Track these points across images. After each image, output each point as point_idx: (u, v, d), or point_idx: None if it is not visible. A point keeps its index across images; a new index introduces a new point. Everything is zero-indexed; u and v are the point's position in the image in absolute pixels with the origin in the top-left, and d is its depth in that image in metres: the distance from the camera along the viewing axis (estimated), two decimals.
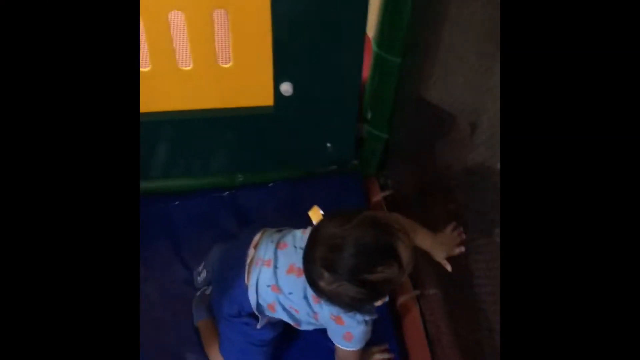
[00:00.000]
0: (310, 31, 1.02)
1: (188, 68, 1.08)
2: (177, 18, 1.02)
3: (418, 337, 1.06)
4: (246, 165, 1.31)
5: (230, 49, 1.06)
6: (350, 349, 0.95)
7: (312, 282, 0.86)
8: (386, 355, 1.05)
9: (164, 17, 0.98)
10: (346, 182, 1.31)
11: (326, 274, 0.82)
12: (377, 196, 1.30)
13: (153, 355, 1.05)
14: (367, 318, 0.92)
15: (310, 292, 0.91)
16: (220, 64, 1.08)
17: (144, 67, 1.06)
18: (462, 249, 0.95)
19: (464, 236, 0.96)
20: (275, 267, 0.95)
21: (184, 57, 1.09)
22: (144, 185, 1.22)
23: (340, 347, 0.96)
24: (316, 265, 0.83)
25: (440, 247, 0.97)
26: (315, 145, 1.26)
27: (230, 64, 1.08)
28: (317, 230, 0.87)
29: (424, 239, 0.97)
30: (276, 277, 0.94)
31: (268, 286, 0.95)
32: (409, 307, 1.10)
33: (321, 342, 1.02)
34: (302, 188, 1.30)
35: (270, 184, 1.31)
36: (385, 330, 1.09)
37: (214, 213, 1.27)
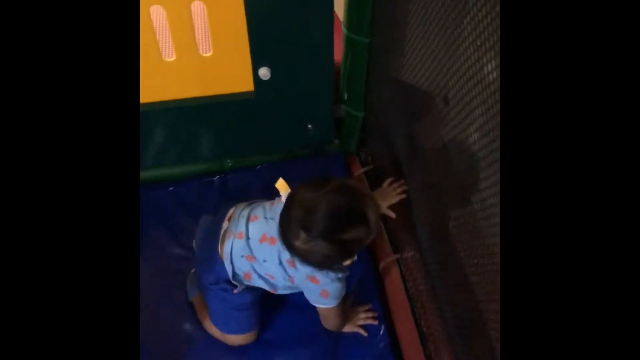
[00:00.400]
0: (282, 17, 1.10)
1: (171, 59, 1.16)
2: (158, 12, 1.10)
3: (399, 296, 1.14)
4: (234, 151, 1.39)
5: (209, 39, 1.14)
6: (329, 306, 1.03)
7: (288, 242, 0.94)
8: (370, 314, 1.13)
9: (146, 12, 1.06)
10: (329, 161, 1.39)
11: (302, 234, 0.90)
12: (358, 172, 1.38)
13: (152, 332, 1.13)
14: (340, 275, 1.00)
15: (285, 257, 0.99)
16: (201, 54, 1.16)
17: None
18: (403, 196, 1.12)
19: (405, 187, 1.15)
20: (248, 238, 1.03)
21: (167, 49, 1.17)
22: (140, 174, 1.30)
23: (320, 306, 1.04)
24: (292, 226, 0.91)
25: (381, 200, 1.11)
26: (297, 127, 1.34)
27: (211, 53, 1.16)
28: (293, 196, 0.95)
29: None
30: (250, 248, 1.03)
31: (242, 256, 1.03)
32: (390, 270, 1.18)
33: (308, 304, 1.10)
34: (288, 168, 1.36)
35: (257, 167, 1.39)
36: (370, 293, 1.17)
37: (206, 196, 1.36)
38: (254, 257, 1.03)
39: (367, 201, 0.92)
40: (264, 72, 1.18)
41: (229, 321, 1.09)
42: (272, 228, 1.00)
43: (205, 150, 1.35)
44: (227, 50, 1.15)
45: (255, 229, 1.04)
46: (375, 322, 1.12)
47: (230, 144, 1.36)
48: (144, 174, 1.36)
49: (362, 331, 1.11)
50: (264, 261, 1.02)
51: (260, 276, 1.05)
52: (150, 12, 1.06)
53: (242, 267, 1.04)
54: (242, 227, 1.05)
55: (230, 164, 1.39)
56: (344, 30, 1.21)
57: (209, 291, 1.09)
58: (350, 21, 1.17)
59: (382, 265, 1.19)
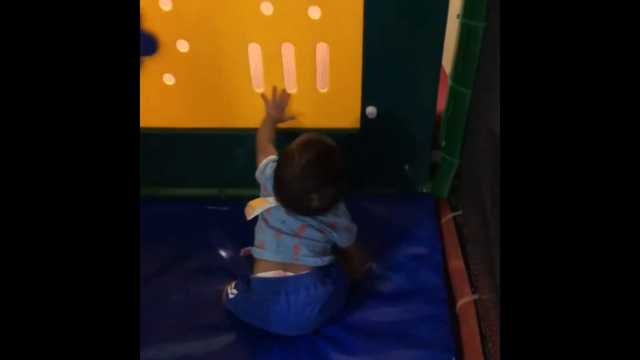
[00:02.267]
0: (394, 62, 1.23)
1: (293, 92, 1.32)
2: (286, 49, 1.26)
3: (473, 336, 1.18)
4: None
5: (327, 76, 1.29)
6: (353, 242, 1.21)
7: (308, 209, 1.10)
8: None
9: (278, 48, 1.24)
10: (419, 201, 1.48)
11: (313, 196, 1.07)
12: (447, 216, 1.45)
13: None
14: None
15: (310, 222, 1.13)
16: (319, 89, 1.31)
17: (259, 89, 1.31)
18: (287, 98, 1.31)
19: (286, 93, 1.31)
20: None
21: (290, 82, 1.33)
22: (235, 192, 1.46)
23: (350, 244, 1.21)
24: (302, 197, 1.07)
25: (276, 112, 1.31)
26: (394, 166, 1.44)
27: (327, 89, 1.31)
28: (280, 179, 1.09)
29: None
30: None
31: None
32: (467, 309, 1.22)
33: None
34: (380, 203, 1.47)
35: (351, 199, 1.49)
36: (444, 330, 1.21)
37: None
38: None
39: (318, 136, 1.12)
40: (371, 111, 1.31)
41: None
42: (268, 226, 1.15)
43: None
44: (342, 88, 1.29)
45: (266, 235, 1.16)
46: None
47: None
48: (241, 192, 1.47)
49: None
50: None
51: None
52: (281, 48, 1.23)
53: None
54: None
55: None
56: (449, 81, 1.31)
57: None
58: (456, 73, 1.28)
59: (459, 304, 1.24)
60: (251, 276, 1.15)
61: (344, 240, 1.19)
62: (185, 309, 1.24)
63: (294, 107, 1.33)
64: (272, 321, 1.12)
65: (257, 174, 1.21)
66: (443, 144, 1.43)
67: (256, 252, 1.15)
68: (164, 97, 1.33)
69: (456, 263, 1.33)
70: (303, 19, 1.19)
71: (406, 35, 1.19)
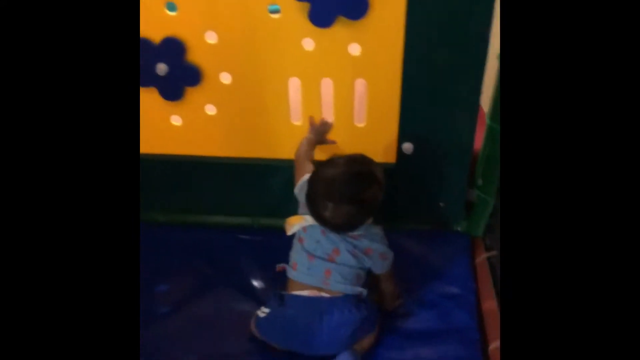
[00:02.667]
0: (433, 100, 1.24)
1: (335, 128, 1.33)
2: (326, 83, 1.29)
3: None
4: None
5: (364, 111, 1.31)
6: (388, 269, 1.21)
7: (318, 215, 1.10)
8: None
9: (317, 83, 1.26)
10: (454, 240, 1.46)
11: (329, 204, 1.07)
12: (482, 256, 1.42)
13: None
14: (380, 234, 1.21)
15: (344, 246, 1.14)
16: (356, 124, 1.33)
17: (297, 122, 1.33)
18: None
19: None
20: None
21: (328, 116, 1.35)
22: (268, 221, 1.48)
23: (384, 271, 1.21)
24: (319, 200, 1.09)
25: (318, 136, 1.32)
26: (430, 203, 1.43)
27: (364, 124, 1.32)
28: (315, 175, 1.13)
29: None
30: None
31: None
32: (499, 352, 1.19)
33: None
34: (414, 239, 1.46)
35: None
36: None
37: None
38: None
39: (374, 164, 1.13)
40: (408, 147, 1.32)
41: None
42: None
43: None
44: (379, 123, 1.31)
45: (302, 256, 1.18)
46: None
47: None
48: (274, 222, 1.48)
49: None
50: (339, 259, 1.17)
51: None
52: (320, 82, 1.26)
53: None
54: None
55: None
56: (487, 120, 1.31)
57: None
58: (494, 112, 1.28)
59: (492, 346, 1.21)
60: (285, 293, 1.16)
61: (378, 266, 1.20)
62: (212, 336, 1.25)
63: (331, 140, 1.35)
64: (302, 340, 1.13)
65: (296, 191, 1.23)
66: (479, 182, 1.42)
67: (289, 271, 1.18)
68: (205, 127, 1.37)
69: (490, 304, 1.30)
70: (343, 55, 1.21)
71: (445, 72, 1.19)
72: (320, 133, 1.31)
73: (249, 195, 1.49)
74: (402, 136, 1.31)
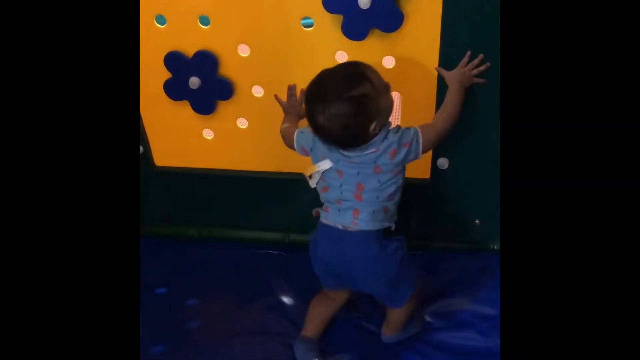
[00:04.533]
0: (468, 115, 1.20)
1: None
2: None
3: None
4: (401, 232, 1.47)
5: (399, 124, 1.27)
6: (420, 132, 1.10)
7: (317, 127, 1.04)
8: (472, 66, 1.14)
9: None
10: (490, 259, 1.41)
11: (319, 105, 1.01)
12: None
13: None
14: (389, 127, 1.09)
15: (365, 172, 1.08)
16: None
17: None
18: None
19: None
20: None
21: None
22: (299, 237, 1.45)
23: (420, 148, 1.11)
24: (313, 106, 1.02)
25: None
26: (464, 220, 1.39)
27: None
28: (310, 83, 1.05)
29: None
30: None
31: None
32: None
33: None
34: (447, 259, 1.42)
35: (419, 252, 1.45)
36: None
37: None
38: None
39: (367, 67, 1.04)
40: (442, 162, 1.28)
41: None
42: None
43: None
44: None
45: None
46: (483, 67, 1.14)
47: (400, 225, 1.45)
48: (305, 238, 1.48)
49: (479, 80, 1.14)
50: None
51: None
52: None
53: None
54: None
55: None
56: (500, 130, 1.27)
57: None
58: None
59: None
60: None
61: (411, 153, 1.10)
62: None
63: None
64: (319, 265, 1.18)
65: (297, 148, 1.18)
66: None
67: (322, 214, 1.16)
68: (237, 140, 1.36)
69: None
70: (377, 67, 1.18)
71: (481, 87, 1.16)
72: (293, 107, 1.24)
73: (280, 210, 1.48)
74: (437, 151, 1.27)
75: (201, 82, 1.25)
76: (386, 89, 1.05)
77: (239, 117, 1.33)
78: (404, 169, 1.12)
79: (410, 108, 1.24)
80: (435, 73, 1.16)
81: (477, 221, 1.38)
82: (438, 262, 1.42)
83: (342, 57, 1.20)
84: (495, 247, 1.44)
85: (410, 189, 1.35)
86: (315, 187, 1.15)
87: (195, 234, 1.54)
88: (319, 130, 1.05)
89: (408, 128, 1.10)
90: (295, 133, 1.16)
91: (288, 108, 1.24)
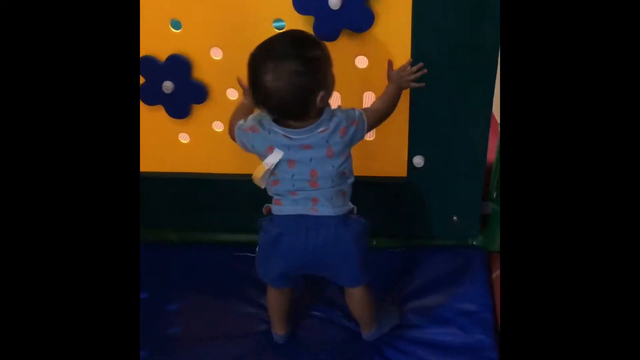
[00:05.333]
0: (443, 112, 1.21)
1: None
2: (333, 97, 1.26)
3: None
4: (380, 231, 1.48)
5: None
6: (363, 115, 1.09)
7: (264, 91, 0.99)
8: (411, 69, 1.15)
9: None
10: (470, 255, 1.42)
11: (269, 64, 0.97)
12: (498, 270, 1.38)
13: None
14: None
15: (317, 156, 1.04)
16: (365, 138, 1.30)
17: None
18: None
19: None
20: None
21: None
22: None
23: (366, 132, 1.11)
24: (260, 66, 0.99)
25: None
26: (443, 217, 1.40)
27: (373, 137, 1.30)
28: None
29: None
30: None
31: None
32: None
33: None
34: (427, 256, 1.43)
35: (398, 250, 1.46)
36: None
37: None
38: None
39: (315, 37, 1.04)
40: (418, 161, 1.29)
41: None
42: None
43: None
44: (388, 136, 1.28)
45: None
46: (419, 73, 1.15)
47: (378, 225, 1.45)
48: None
49: (416, 85, 1.16)
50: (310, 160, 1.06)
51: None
52: None
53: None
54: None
55: (374, 243, 1.48)
56: (500, 130, 1.28)
57: None
58: None
59: None
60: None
61: (359, 132, 1.09)
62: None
63: None
64: (286, 257, 1.12)
65: (238, 142, 1.13)
66: (494, 195, 1.38)
67: (274, 209, 1.12)
68: (213, 144, 1.36)
69: None
70: (350, 68, 1.20)
71: (455, 84, 1.17)
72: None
73: (259, 212, 1.47)
74: (413, 149, 1.28)
75: (175, 86, 1.25)
76: (332, 63, 1.04)
77: (215, 120, 1.32)
78: (350, 153, 1.10)
79: None
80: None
81: (454, 217, 1.39)
82: (417, 259, 1.43)
83: None
84: (474, 243, 1.45)
85: (388, 188, 1.36)
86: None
87: (175, 238, 1.54)
88: (266, 94, 1.00)
89: (352, 109, 1.09)
90: (237, 125, 1.11)
91: (248, 91, 1.19)
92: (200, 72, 1.25)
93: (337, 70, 1.19)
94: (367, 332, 1.25)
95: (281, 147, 1.05)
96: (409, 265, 1.42)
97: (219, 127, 1.34)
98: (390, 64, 1.16)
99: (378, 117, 1.13)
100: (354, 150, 1.31)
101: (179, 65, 1.23)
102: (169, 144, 1.37)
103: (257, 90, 1.02)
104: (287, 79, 0.98)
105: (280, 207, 1.11)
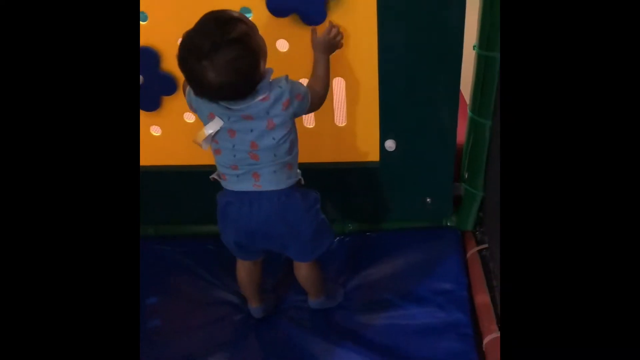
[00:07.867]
0: (412, 95, 1.23)
1: (311, 126, 1.32)
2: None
3: None
4: (356, 216, 1.49)
5: (344, 110, 1.29)
6: (306, 89, 1.07)
7: (210, 87, 0.97)
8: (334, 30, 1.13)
9: None
10: (444, 236, 1.45)
11: (204, 62, 0.94)
12: (472, 250, 1.41)
13: None
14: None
15: (259, 128, 1.02)
16: (337, 124, 1.31)
17: None
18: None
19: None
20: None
21: (308, 117, 1.34)
22: None
23: (307, 107, 1.08)
24: (196, 68, 0.96)
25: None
26: (416, 200, 1.42)
27: (344, 124, 1.31)
28: (178, 54, 1.00)
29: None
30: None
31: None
32: (493, 346, 1.18)
33: None
34: (403, 238, 1.45)
35: (374, 234, 1.48)
36: None
37: (326, 256, 1.44)
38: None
39: (224, 10, 0.99)
40: (390, 144, 1.30)
41: None
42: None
43: (330, 212, 1.47)
44: (359, 122, 1.29)
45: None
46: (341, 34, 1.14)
47: (353, 209, 1.47)
48: None
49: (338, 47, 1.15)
50: (251, 130, 1.04)
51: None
52: None
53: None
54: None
55: (351, 228, 1.50)
56: (469, 112, 1.30)
57: None
58: (475, 104, 1.26)
59: (486, 340, 1.20)
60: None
61: (302, 108, 1.07)
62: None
63: (312, 142, 1.33)
64: (234, 227, 1.14)
65: (187, 102, 1.10)
66: (466, 176, 1.40)
67: (221, 182, 1.14)
68: (185, 135, 1.35)
69: (482, 298, 1.29)
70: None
71: (422, 67, 1.18)
72: None
73: None
74: (384, 134, 1.29)
75: (144, 78, 1.24)
76: (256, 28, 1.02)
77: (185, 112, 1.32)
78: (294, 124, 1.08)
79: (355, 94, 1.25)
80: (376, 57, 1.18)
81: (427, 199, 1.41)
82: (393, 241, 1.45)
83: (283, 46, 1.20)
84: (448, 224, 1.47)
85: (361, 173, 1.38)
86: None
87: (152, 232, 1.53)
88: (210, 89, 0.98)
89: (299, 82, 1.08)
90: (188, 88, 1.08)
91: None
92: (169, 64, 1.24)
93: (305, 58, 1.20)
94: (314, 300, 1.29)
95: (221, 115, 1.03)
96: (386, 248, 1.44)
97: (190, 118, 1.33)
98: (314, 30, 1.14)
99: (318, 99, 1.12)
100: (327, 137, 1.33)
101: (146, 57, 1.22)
102: (142, 137, 1.36)
103: (199, 88, 1.00)
104: (229, 68, 0.95)
105: (226, 182, 1.12)
